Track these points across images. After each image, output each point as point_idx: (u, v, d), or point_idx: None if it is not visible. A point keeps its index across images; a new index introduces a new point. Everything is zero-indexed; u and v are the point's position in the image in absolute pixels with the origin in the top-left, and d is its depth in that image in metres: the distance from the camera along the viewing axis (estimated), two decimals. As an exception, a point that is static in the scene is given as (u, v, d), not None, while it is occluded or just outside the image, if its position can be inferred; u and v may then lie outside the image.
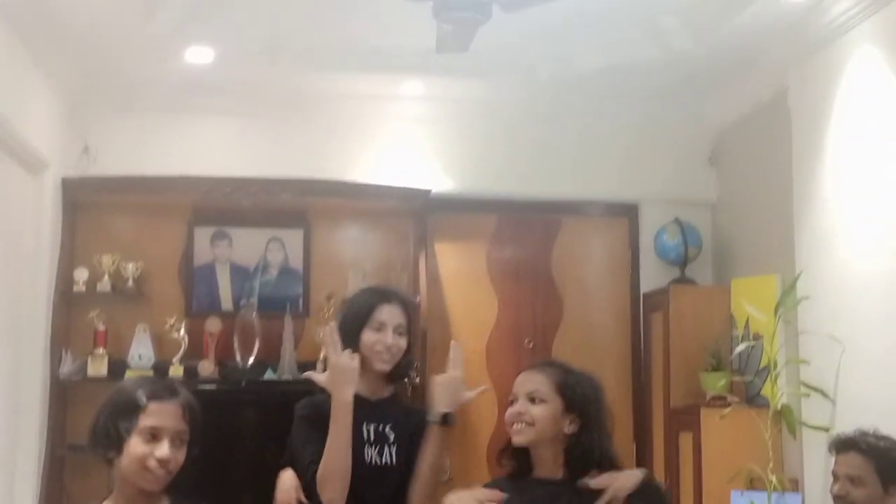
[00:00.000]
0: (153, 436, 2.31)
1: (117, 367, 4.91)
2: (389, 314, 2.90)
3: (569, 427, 2.54)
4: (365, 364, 2.81)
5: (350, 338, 2.84)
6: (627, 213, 5.78)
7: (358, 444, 2.78)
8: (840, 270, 4.28)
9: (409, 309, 2.96)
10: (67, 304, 5.03)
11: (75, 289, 5.02)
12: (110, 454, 2.32)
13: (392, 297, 2.94)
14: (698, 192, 5.71)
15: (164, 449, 2.32)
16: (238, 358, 5.11)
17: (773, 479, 4.28)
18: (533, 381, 2.63)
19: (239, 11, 4.42)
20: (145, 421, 2.31)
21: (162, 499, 2.41)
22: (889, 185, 3.93)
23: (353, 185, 5.34)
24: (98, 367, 4.90)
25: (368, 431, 2.85)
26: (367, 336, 2.85)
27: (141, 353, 4.97)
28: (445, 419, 2.77)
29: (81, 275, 5.03)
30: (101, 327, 4.96)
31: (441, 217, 5.57)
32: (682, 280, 5.43)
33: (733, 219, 5.53)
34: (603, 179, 5.67)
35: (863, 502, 3.32)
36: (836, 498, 3.39)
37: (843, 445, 3.44)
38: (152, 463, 2.29)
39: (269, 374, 5.11)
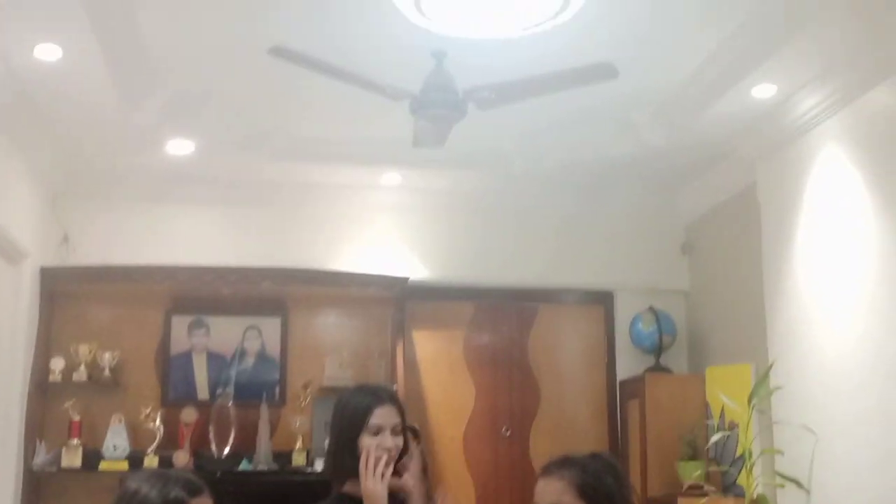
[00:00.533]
0: None
1: (91, 457, 4.87)
2: (385, 416, 2.88)
3: None
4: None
5: (347, 444, 2.85)
6: (603, 301, 5.85)
7: None
8: (812, 360, 4.32)
9: (400, 405, 2.97)
10: (43, 393, 5.00)
11: (51, 378, 5.00)
12: None
13: (384, 397, 2.94)
14: (672, 280, 5.80)
15: None
16: (213, 448, 5.08)
17: (751, 570, 4.28)
18: (553, 492, 2.58)
19: (220, 105, 4.51)
20: None
21: None
22: (857, 278, 4.00)
23: (331, 273, 5.38)
24: (72, 458, 4.85)
25: None
26: (366, 441, 2.85)
27: (116, 443, 4.93)
28: None
29: (58, 364, 5.02)
30: (76, 417, 4.93)
31: (419, 304, 5.61)
32: (658, 368, 5.47)
33: (707, 307, 5.60)
34: (578, 268, 5.75)
35: None
36: None
37: None
38: None
39: (244, 465, 5.07)
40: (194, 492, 2.44)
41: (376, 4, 2.94)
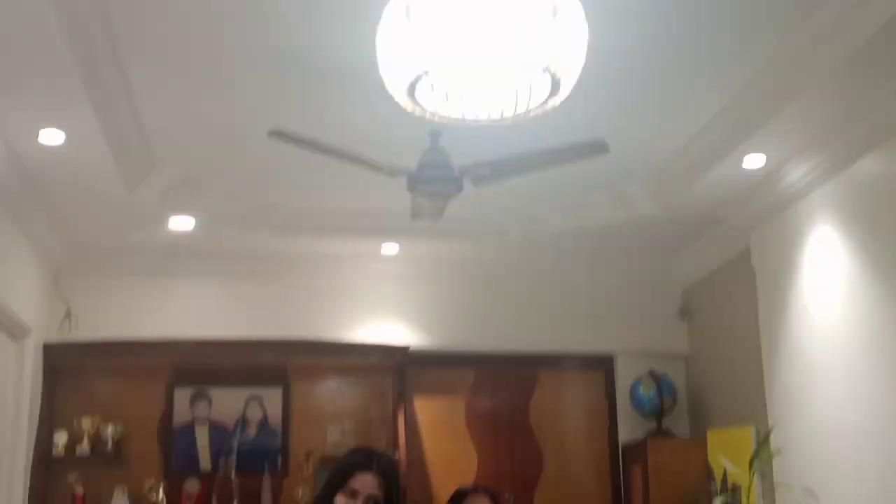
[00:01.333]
0: None
1: (95, 533, 4.88)
2: (364, 483, 2.93)
3: None
4: None
5: (327, 498, 2.89)
6: (603, 366, 5.87)
7: None
8: (811, 422, 4.33)
9: (388, 478, 2.99)
10: (46, 467, 5.01)
11: (54, 452, 5.02)
12: None
13: (373, 464, 2.98)
14: (671, 345, 5.83)
15: None
16: (217, 521, 5.09)
17: None
18: None
19: (220, 183, 4.59)
20: None
21: None
22: (851, 341, 4.03)
23: (332, 343, 5.42)
24: (76, 533, 4.85)
25: None
26: (340, 500, 2.90)
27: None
28: None
29: (61, 438, 5.04)
30: (80, 490, 4.95)
31: (419, 372, 5.64)
32: (660, 432, 5.48)
33: (706, 370, 5.62)
34: (578, 333, 5.78)
35: None
36: None
37: None
38: None
39: (248, 537, 5.08)
40: None
41: (372, 91, 3.02)
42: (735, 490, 4.83)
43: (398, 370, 5.48)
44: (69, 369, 5.24)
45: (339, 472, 2.94)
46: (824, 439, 4.24)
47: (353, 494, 2.88)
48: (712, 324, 5.57)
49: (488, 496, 3.85)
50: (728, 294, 5.30)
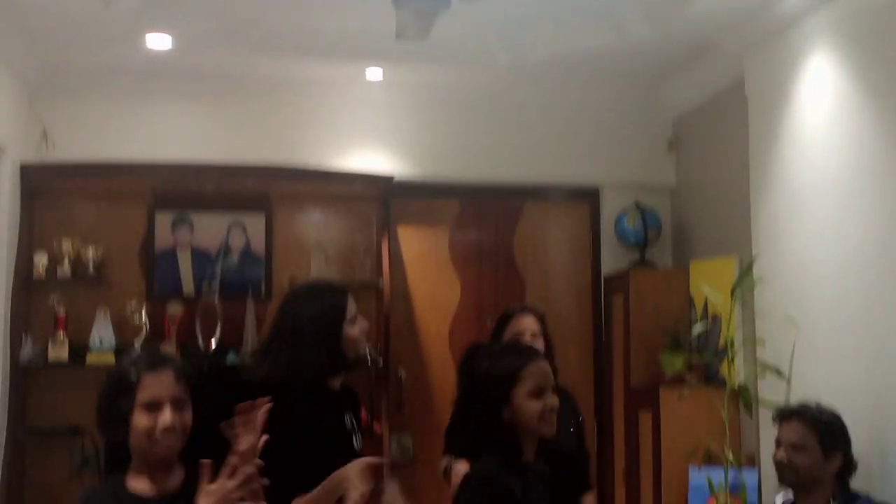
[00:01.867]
0: (153, 406, 2.37)
1: (78, 351, 4.89)
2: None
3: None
4: None
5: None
6: (589, 198, 5.84)
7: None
8: (795, 253, 4.35)
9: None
10: (27, 288, 4.99)
11: (35, 274, 4.99)
12: (120, 436, 2.40)
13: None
14: (658, 176, 5.79)
15: (165, 417, 2.39)
16: (200, 342, 5.11)
17: (730, 455, 4.37)
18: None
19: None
20: (142, 394, 2.39)
21: (176, 467, 2.49)
22: (842, 171, 4.00)
23: (315, 171, 5.34)
24: (59, 351, 4.87)
25: (348, 419, 2.99)
26: None
27: (102, 337, 4.94)
28: None
29: (41, 259, 5.00)
30: (62, 312, 4.93)
31: (404, 202, 5.59)
32: (643, 263, 5.50)
33: (692, 203, 5.60)
34: (564, 164, 5.72)
35: (804, 468, 3.44)
36: (779, 464, 3.51)
37: (786, 415, 3.57)
38: (158, 433, 2.37)
39: (231, 358, 5.11)
40: (152, 366, 2.44)
41: None
42: (715, 319, 4.88)
43: (382, 200, 5.43)
44: (48, 191, 5.16)
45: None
46: (807, 269, 4.26)
47: None
48: (701, 155, 5.52)
49: (536, 317, 3.85)
50: (719, 125, 5.23)
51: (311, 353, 2.95)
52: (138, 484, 2.44)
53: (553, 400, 2.77)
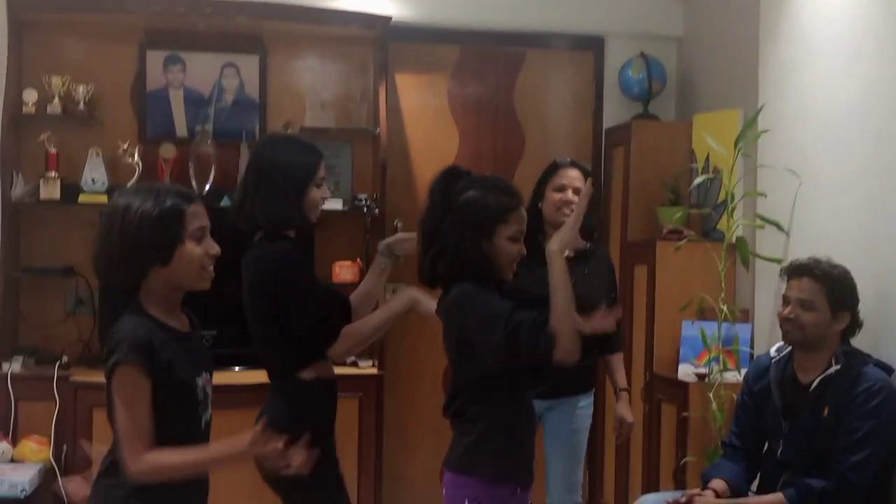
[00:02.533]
0: (201, 235, 2.45)
1: (70, 190, 4.81)
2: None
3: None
4: None
5: None
6: (593, 47, 5.67)
7: None
8: (801, 104, 4.26)
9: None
10: (16, 125, 4.89)
11: (24, 110, 4.87)
12: (152, 266, 2.42)
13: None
14: (665, 26, 5.61)
15: (215, 245, 2.50)
16: (194, 184, 5.03)
17: (725, 309, 4.37)
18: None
19: None
20: (193, 223, 2.44)
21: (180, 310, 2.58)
22: (852, 19, 3.88)
23: (311, 8, 5.15)
24: (51, 190, 4.79)
25: None
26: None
27: (94, 177, 4.86)
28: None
29: (30, 96, 4.87)
30: (53, 150, 4.83)
31: (402, 47, 5.42)
32: (645, 115, 5.38)
33: (699, 54, 5.45)
34: (569, 11, 5.53)
35: (810, 326, 3.40)
36: (785, 320, 3.46)
37: (796, 271, 3.49)
38: (208, 261, 2.47)
39: (225, 202, 5.05)
40: (189, 199, 2.47)
41: None
42: (716, 173, 4.81)
43: (380, 42, 5.25)
44: (36, 25, 4.99)
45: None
46: (812, 120, 4.19)
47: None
48: (710, 4, 5.34)
49: (582, 172, 3.89)
50: (731, -30, 5.04)
51: (280, 199, 3.09)
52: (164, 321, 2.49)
53: (523, 249, 2.81)
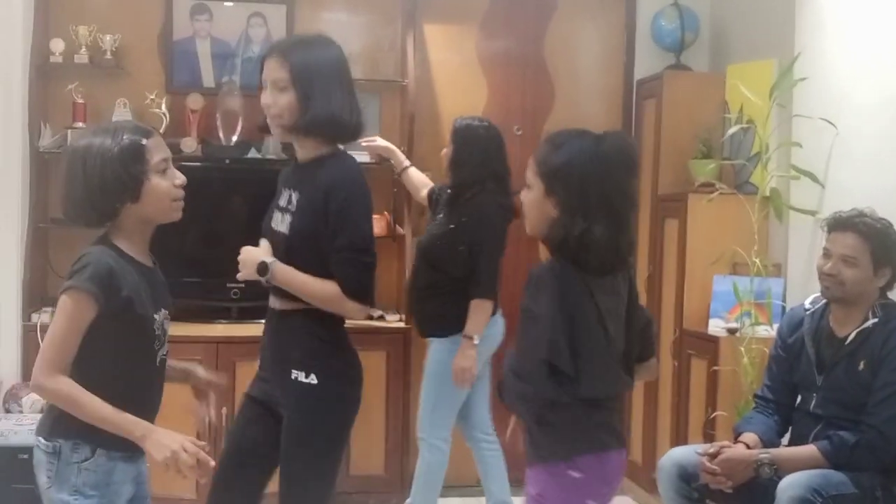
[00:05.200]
0: (165, 168, 2.49)
1: (97, 141, 4.80)
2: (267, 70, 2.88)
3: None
4: None
5: None
6: (625, -5, 5.57)
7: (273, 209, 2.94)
8: (839, 52, 4.16)
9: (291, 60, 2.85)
10: (44, 75, 4.87)
11: (52, 59, 4.85)
12: (122, 204, 2.44)
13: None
14: (699, -27, 5.50)
15: (179, 174, 2.53)
16: (221, 136, 5.01)
17: (758, 262, 4.31)
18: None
19: None
20: (155, 157, 2.47)
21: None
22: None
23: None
24: (78, 140, 4.79)
25: (286, 196, 2.90)
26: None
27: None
28: None
29: (57, 46, 4.85)
30: (80, 100, 4.82)
31: (430, -5, 5.36)
32: (678, 66, 5.28)
33: (733, 3, 5.32)
34: (601, -42, 5.44)
35: (852, 282, 3.34)
36: (826, 276, 3.39)
37: (840, 225, 3.41)
38: (176, 192, 2.51)
39: (253, 153, 5.03)
40: (146, 133, 2.48)
41: None
42: (750, 125, 4.72)
43: (407, -9, 5.20)
44: (61, -25, 4.98)
45: None
46: (849, 69, 4.10)
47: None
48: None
49: None
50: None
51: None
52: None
53: None
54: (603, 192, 2.47)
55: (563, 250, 2.49)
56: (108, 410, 2.36)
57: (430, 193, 4.55)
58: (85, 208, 2.43)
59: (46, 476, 2.42)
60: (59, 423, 2.41)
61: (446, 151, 4.36)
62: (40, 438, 2.44)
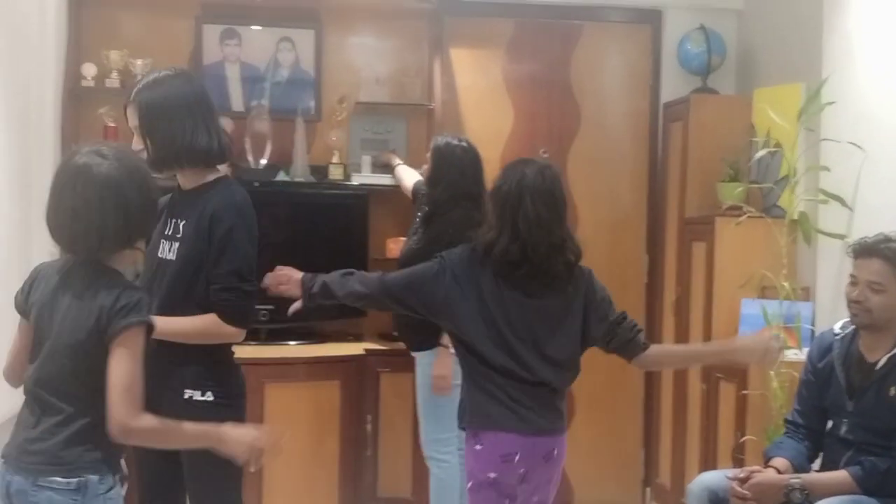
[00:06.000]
0: None
1: (128, 164, 4.86)
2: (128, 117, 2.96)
3: None
4: None
5: None
6: (651, 20, 5.58)
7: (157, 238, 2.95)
8: (866, 77, 4.16)
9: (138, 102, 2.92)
10: (76, 99, 4.94)
11: (83, 83, 4.92)
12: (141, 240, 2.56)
13: None
14: (725, -2, 5.51)
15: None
16: (250, 159, 5.06)
17: (787, 286, 4.29)
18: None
19: None
20: None
21: None
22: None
23: (365, -19, 5.15)
24: (109, 164, 4.84)
25: (171, 224, 2.96)
26: None
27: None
28: None
29: (89, 70, 4.92)
30: (111, 124, 4.89)
31: (457, 21, 5.39)
32: (704, 90, 5.29)
33: (760, 26, 5.33)
34: (626, -18, 5.47)
35: (879, 309, 3.32)
36: (853, 303, 3.38)
37: (865, 251, 3.39)
38: None
39: (282, 176, 5.07)
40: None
41: None
42: (777, 148, 4.71)
43: (434, 16, 5.24)
44: (94, 1, 5.04)
45: None
46: (878, 92, 4.10)
47: None
48: (772, -26, 5.23)
49: None
50: (792, -60, 4.92)
51: None
52: None
53: None
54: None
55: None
56: (189, 427, 2.45)
57: (415, 189, 4.70)
58: (111, 239, 2.42)
59: None
60: (84, 457, 2.37)
61: (425, 168, 4.40)
62: (55, 478, 2.34)
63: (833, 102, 4.26)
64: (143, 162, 2.51)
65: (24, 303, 2.51)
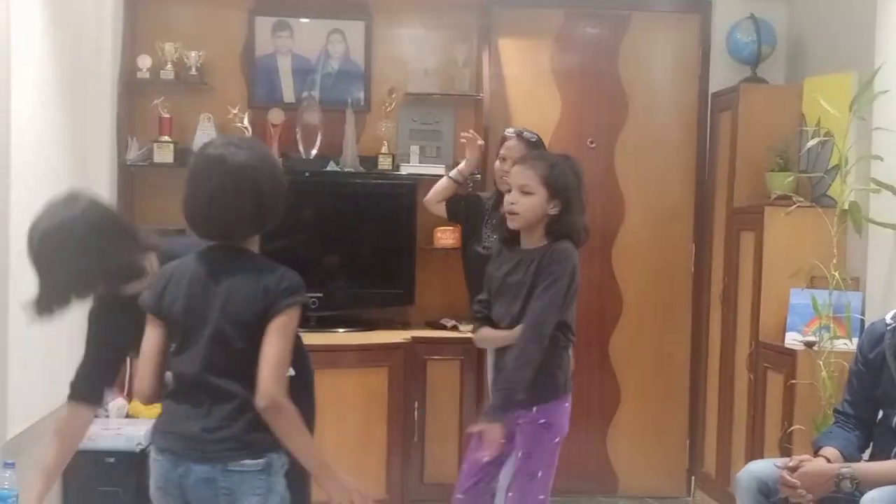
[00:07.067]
0: None
1: (182, 154, 4.93)
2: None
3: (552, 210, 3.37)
4: None
5: None
6: (700, 10, 5.56)
7: None
8: (921, 65, 4.12)
9: None
10: (131, 91, 5.04)
11: (139, 75, 5.02)
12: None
13: None
14: (775, -14, 5.47)
15: None
16: (301, 149, 5.13)
17: (837, 275, 4.27)
18: (525, 177, 3.39)
19: None
20: None
21: None
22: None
23: (415, -27, 5.19)
24: (164, 153, 4.94)
25: None
26: None
27: (205, 141, 4.97)
28: None
29: (144, 62, 5.02)
30: (166, 115, 4.98)
31: (505, 12, 5.41)
32: (754, 79, 5.26)
33: (811, 15, 5.29)
34: (675, -28, 5.45)
35: None
36: None
37: None
38: None
39: (332, 167, 5.14)
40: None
41: None
42: (829, 136, 4.68)
43: (483, 8, 5.27)
44: (148, -6, 5.15)
45: None
46: (933, 81, 4.04)
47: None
48: (824, -39, 5.19)
49: (523, 142, 4.35)
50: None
51: None
52: None
53: None
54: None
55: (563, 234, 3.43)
56: (314, 441, 2.55)
57: (454, 201, 4.60)
58: (248, 223, 2.51)
59: (255, 495, 2.44)
60: (266, 438, 2.43)
61: (499, 165, 4.36)
62: (245, 461, 2.43)
63: (886, 91, 4.22)
64: (272, 152, 2.60)
65: (158, 301, 2.53)
